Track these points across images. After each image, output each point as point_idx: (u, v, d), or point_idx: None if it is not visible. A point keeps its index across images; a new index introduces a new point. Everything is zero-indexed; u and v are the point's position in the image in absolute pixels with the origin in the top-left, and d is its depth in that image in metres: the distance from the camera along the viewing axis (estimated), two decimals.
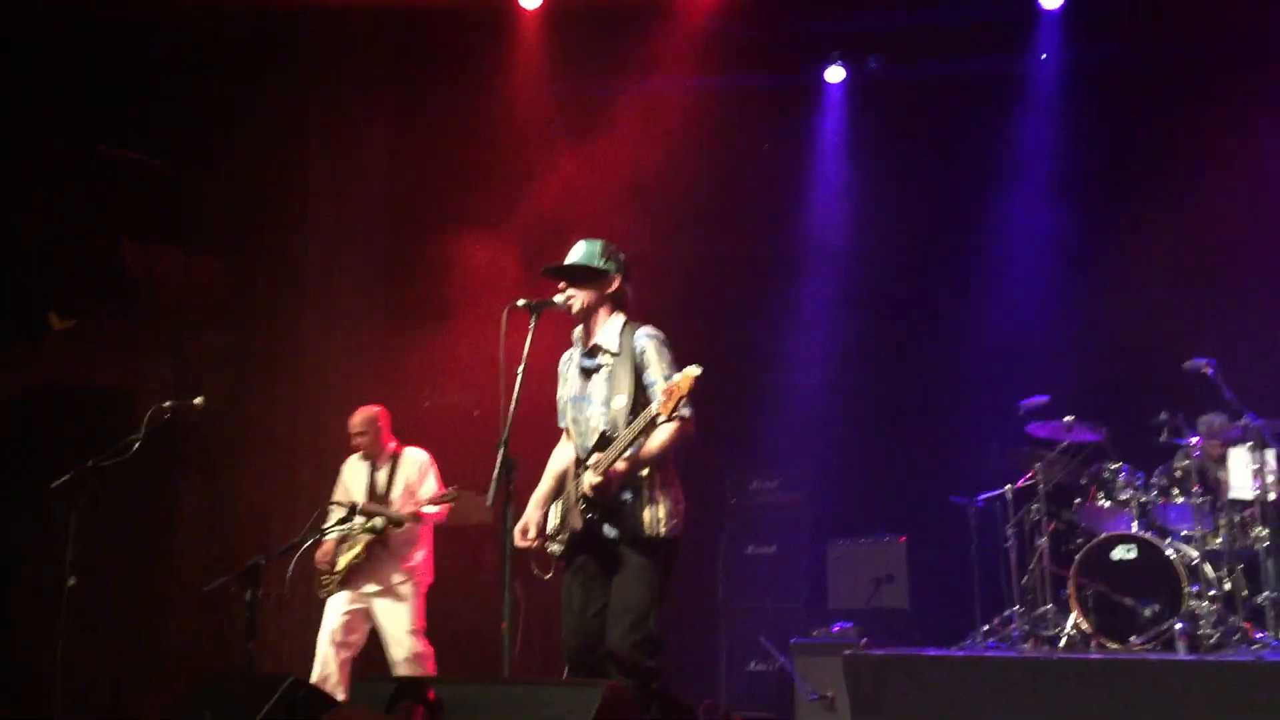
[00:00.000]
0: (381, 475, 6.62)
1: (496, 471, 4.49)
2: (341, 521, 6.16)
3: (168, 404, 6.03)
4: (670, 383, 4.36)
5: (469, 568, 8.32)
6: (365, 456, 6.69)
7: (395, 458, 6.67)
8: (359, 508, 6.21)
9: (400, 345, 8.45)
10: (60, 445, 6.55)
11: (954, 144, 8.44)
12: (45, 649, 5.60)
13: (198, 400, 6.17)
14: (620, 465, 4.53)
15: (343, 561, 6.42)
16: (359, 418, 6.69)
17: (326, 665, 6.36)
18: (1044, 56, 8.50)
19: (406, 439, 8.46)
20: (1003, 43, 8.46)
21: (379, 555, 6.45)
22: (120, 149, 8.04)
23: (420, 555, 6.62)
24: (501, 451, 4.50)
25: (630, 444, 4.52)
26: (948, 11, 8.21)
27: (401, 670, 6.34)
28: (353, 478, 6.72)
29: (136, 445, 5.78)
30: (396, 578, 6.48)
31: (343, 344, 8.47)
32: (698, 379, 4.31)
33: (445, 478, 8.56)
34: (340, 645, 6.37)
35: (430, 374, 8.47)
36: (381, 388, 8.53)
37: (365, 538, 6.35)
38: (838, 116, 9.12)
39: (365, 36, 8.55)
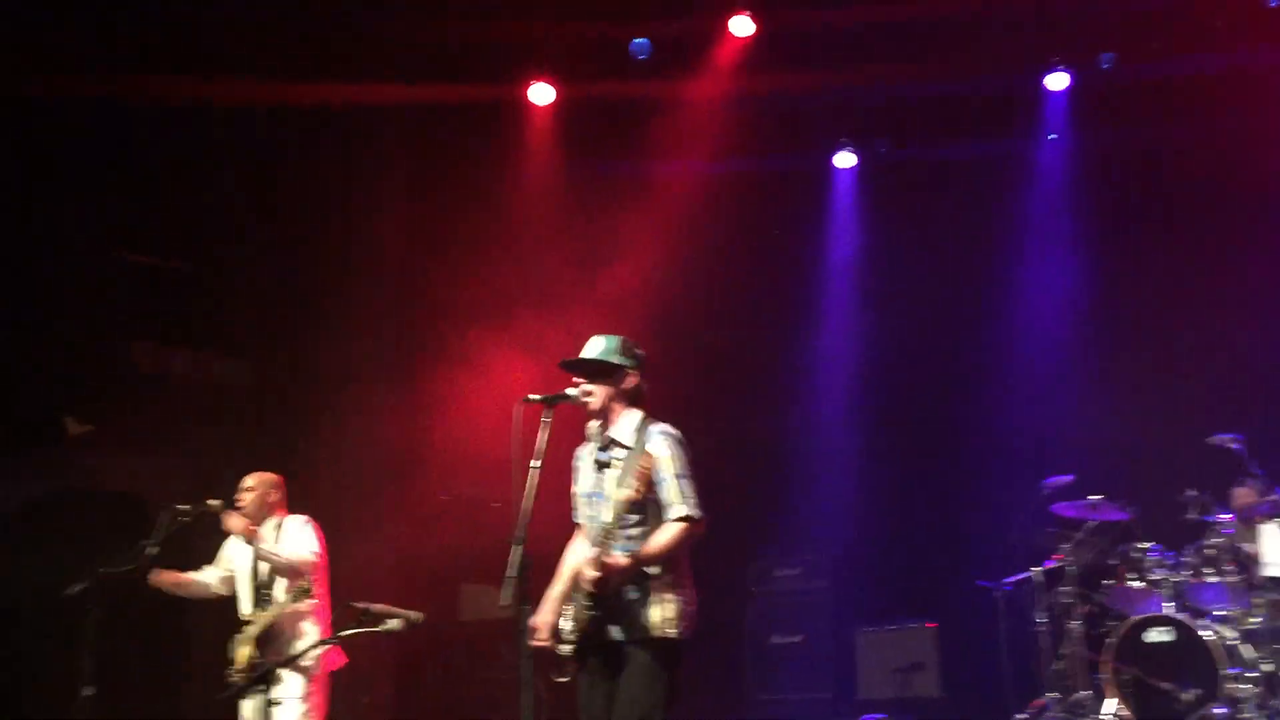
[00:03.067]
0: (266, 545, 6.06)
1: (513, 569, 4.41)
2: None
3: (184, 507, 5.99)
4: (638, 465, 4.40)
5: (488, 663, 8.20)
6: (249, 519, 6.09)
7: (279, 526, 6.18)
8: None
9: (418, 439, 8.41)
10: (76, 550, 6.50)
11: (970, 225, 8.45)
12: None
13: (214, 502, 6.13)
14: (622, 561, 4.46)
15: (243, 658, 5.92)
16: (252, 477, 6.20)
17: None
18: (1052, 137, 8.53)
19: (425, 532, 8.42)
20: (1010, 124, 8.51)
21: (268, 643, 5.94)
22: (133, 252, 8.11)
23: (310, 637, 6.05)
24: (517, 549, 4.42)
25: (615, 532, 4.46)
26: (955, 92, 8.26)
27: None
28: (237, 550, 6.25)
29: (151, 551, 5.74)
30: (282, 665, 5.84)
31: (359, 439, 8.44)
32: (691, 465, 4.39)
33: (468, 572, 8.47)
34: None
35: (449, 466, 8.41)
36: (399, 482, 8.51)
37: (254, 630, 5.89)
38: (849, 200, 9.16)
39: (377, 134, 8.66)
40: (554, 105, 8.64)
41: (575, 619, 4.62)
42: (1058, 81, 8.32)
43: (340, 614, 6.04)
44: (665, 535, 4.51)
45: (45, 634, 6.55)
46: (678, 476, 4.54)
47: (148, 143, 7.73)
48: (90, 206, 7.71)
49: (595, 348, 4.79)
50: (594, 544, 4.58)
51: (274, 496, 6.23)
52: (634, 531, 4.53)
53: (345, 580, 6.79)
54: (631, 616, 4.53)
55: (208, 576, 6.29)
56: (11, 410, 7.53)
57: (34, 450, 7.62)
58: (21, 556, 7.14)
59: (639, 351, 4.84)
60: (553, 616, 4.72)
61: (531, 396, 4.66)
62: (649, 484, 4.53)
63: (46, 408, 7.68)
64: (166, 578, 6.13)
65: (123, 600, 5.76)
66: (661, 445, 4.63)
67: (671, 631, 4.53)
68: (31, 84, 7.13)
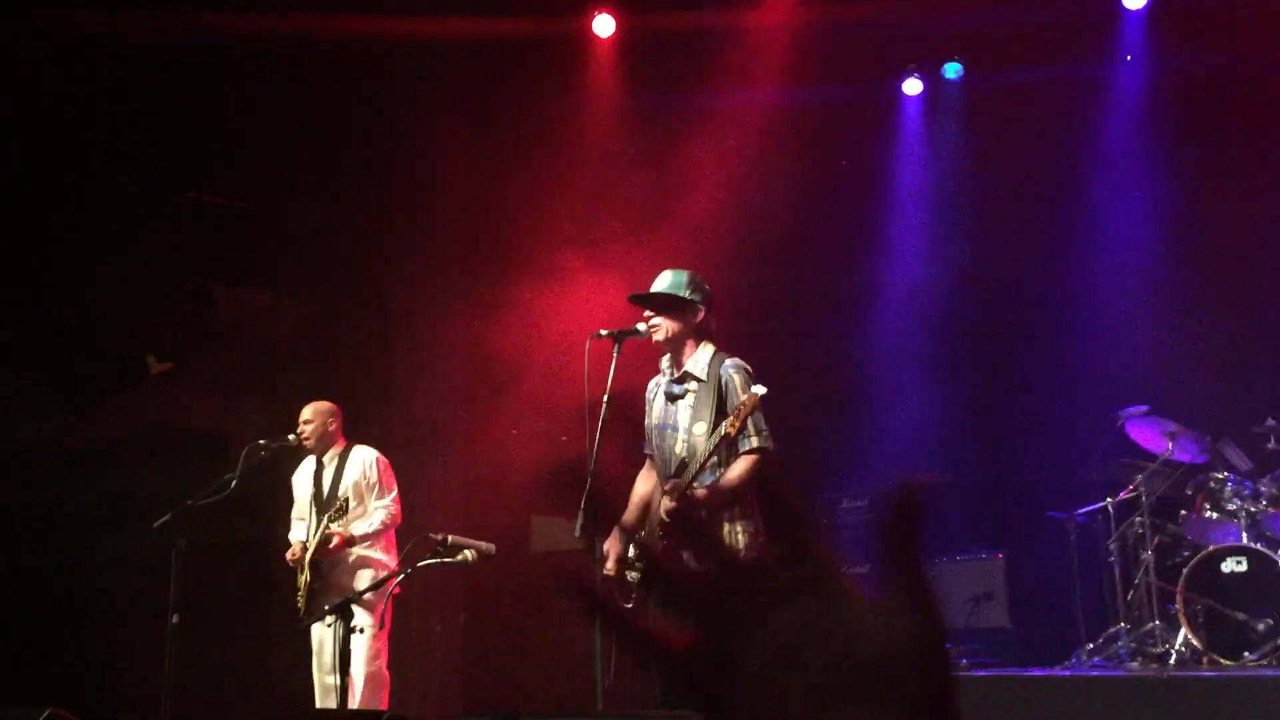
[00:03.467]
0: (327, 474, 6.29)
1: (584, 501, 4.48)
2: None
3: (263, 442, 6.16)
4: (738, 402, 4.39)
5: (558, 593, 8.32)
6: (312, 451, 6.34)
7: (343, 455, 6.34)
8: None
9: (487, 376, 8.50)
10: (162, 486, 6.70)
11: (1039, 152, 8.27)
12: (151, 687, 5.72)
13: (292, 437, 6.29)
14: (699, 492, 4.51)
15: (300, 584, 6.11)
16: (309, 409, 6.34)
17: (328, 695, 6.06)
18: (1129, 58, 8.30)
19: (494, 465, 8.55)
20: (1085, 46, 8.28)
21: (331, 574, 6.09)
22: (205, 193, 8.22)
23: (377, 565, 6.21)
24: (589, 481, 4.49)
25: (704, 465, 4.51)
26: (1027, 13, 8.05)
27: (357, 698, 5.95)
28: (299, 479, 6.43)
29: (234, 484, 5.91)
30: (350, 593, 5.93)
31: (429, 378, 8.56)
32: (763, 398, 4.38)
33: (535, 505, 8.58)
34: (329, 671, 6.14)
35: (516, 404, 8.50)
36: (469, 420, 8.63)
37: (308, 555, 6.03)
38: (917, 128, 9.02)
39: (440, 69, 8.65)
40: (615, 36, 8.58)
41: (645, 541, 4.70)
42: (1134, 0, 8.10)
43: (415, 543, 6.20)
44: (739, 468, 4.56)
45: (134, 565, 6.76)
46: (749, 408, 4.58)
47: (212, 82, 7.79)
48: (158, 148, 7.82)
49: (663, 282, 4.83)
50: (671, 475, 4.64)
51: (332, 425, 6.37)
52: (711, 462, 4.59)
53: (418, 510, 6.95)
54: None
55: (296, 535, 6.42)
56: (95, 350, 7.73)
57: (118, 389, 7.83)
58: (108, 491, 7.36)
59: (707, 287, 4.86)
60: (621, 545, 4.79)
61: (601, 332, 4.71)
62: (743, 423, 4.56)
63: (129, 348, 7.87)
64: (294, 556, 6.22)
65: (207, 531, 5.95)
66: (738, 379, 4.67)
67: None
68: (93, 22, 7.19)
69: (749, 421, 4.59)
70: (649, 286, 4.86)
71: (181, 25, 7.30)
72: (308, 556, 6.11)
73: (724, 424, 4.46)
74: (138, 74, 7.44)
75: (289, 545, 6.45)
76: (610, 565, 4.77)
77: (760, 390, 4.44)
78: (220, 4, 7.41)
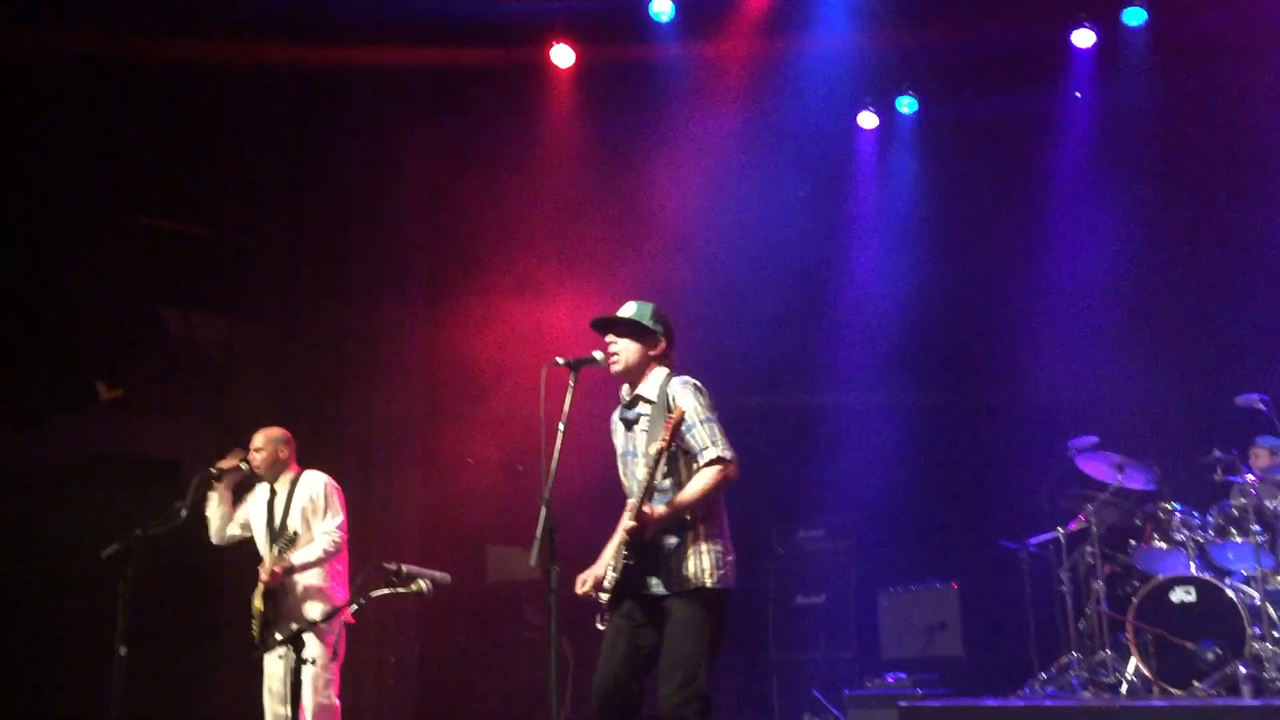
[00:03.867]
0: (279, 502, 6.18)
1: (540, 530, 4.46)
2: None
3: (214, 469, 6.07)
4: (668, 415, 4.39)
5: (513, 624, 8.29)
6: (264, 478, 6.21)
7: (294, 481, 6.21)
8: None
9: (443, 403, 8.47)
10: (109, 514, 6.60)
11: (990, 185, 8.42)
12: (97, 717, 5.62)
13: (242, 464, 6.21)
14: (659, 509, 4.49)
15: (255, 613, 6.00)
16: (259, 435, 6.22)
17: None
18: (1078, 95, 8.46)
19: (450, 497, 8.48)
20: (1036, 81, 8.42)
21: (283, 604, 6.00)
22: (159, 218, 8.15)
23: (326, 594, 6.13)
24: (544, 511, 4.47)
25: (653, 486, 4.49)
26: (981, 48, 8.18)
27: None
28: (254, 509, 6.30)
29: (184, 513, 5.82)
30: (299, 623, 5.89)
31: (385, 403, 8.49)
32: (720, 414, 4.35)
33: (494, 533, 8.52)
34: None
35: (473, 432, 8.47)
36: (425, 447, 8.58)
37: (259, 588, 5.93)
38: (872, 159, 9.12)
39: (400, 96, 8.66)
40: (575, 67, 8.63)
41: (615, 570, 4.67)
42: (1084, 39, 8.27)
43: (368, 572, 6.12)
44: (701, 480, 4.54)
45: (80, 595, 6.65)
46: (704, 421, 4.58)
47: (169, 107, 7.75)
48: (113, 172, 7.75)
49: (629, 310, 4.84)
50: (632, 498, 4.63)
51: (284, 453, 6.27)
52: (666, 484, 4.58)
53: (373, 537, 6.88)
54: (670, 567, 4.57)
55: (237, 517, 6.34)
56: (43, 376, 7.62)
57: (66, 415, 7.71)
58: (55, 518, 7.24)
59: (669, 320, 4.89)
60: (601, 570, 4.76)
61: (558, 360, 4.70)
62: (676, 435, 4.55)
63: (78, 373, 7.76)
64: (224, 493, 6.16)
65: (155, 561, 5.86)
66: (684, 394, 4.67)
67: (709, 580, 4.57)
68: (50, 44, 7.13)
69: (702, 432, 4.60)
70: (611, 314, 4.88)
71: (141, 50, 7.25)
72: (259, 588, 6.03)
73: (656, 440, 4.44)
74: (94, 96, 7.38)
75: (240, 574, 6.35)
76: (583, 589, 4.74)
77: (685, 402, 4.48)
78: (182, 31, 7.37)
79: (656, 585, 4.58)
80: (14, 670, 7.09)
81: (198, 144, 7.90)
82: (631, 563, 4.55)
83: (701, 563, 4.58)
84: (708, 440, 4.59)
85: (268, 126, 8.19)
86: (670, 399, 4.66)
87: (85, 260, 7.80)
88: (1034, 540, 7.35)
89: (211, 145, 7.94)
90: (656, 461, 4.47)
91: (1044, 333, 8.18)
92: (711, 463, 4.51)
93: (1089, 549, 7.01)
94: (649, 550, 4.56)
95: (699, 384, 4.74)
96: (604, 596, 4.70)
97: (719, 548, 4.64)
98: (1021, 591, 7.36)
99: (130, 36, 7.21)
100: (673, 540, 4.58)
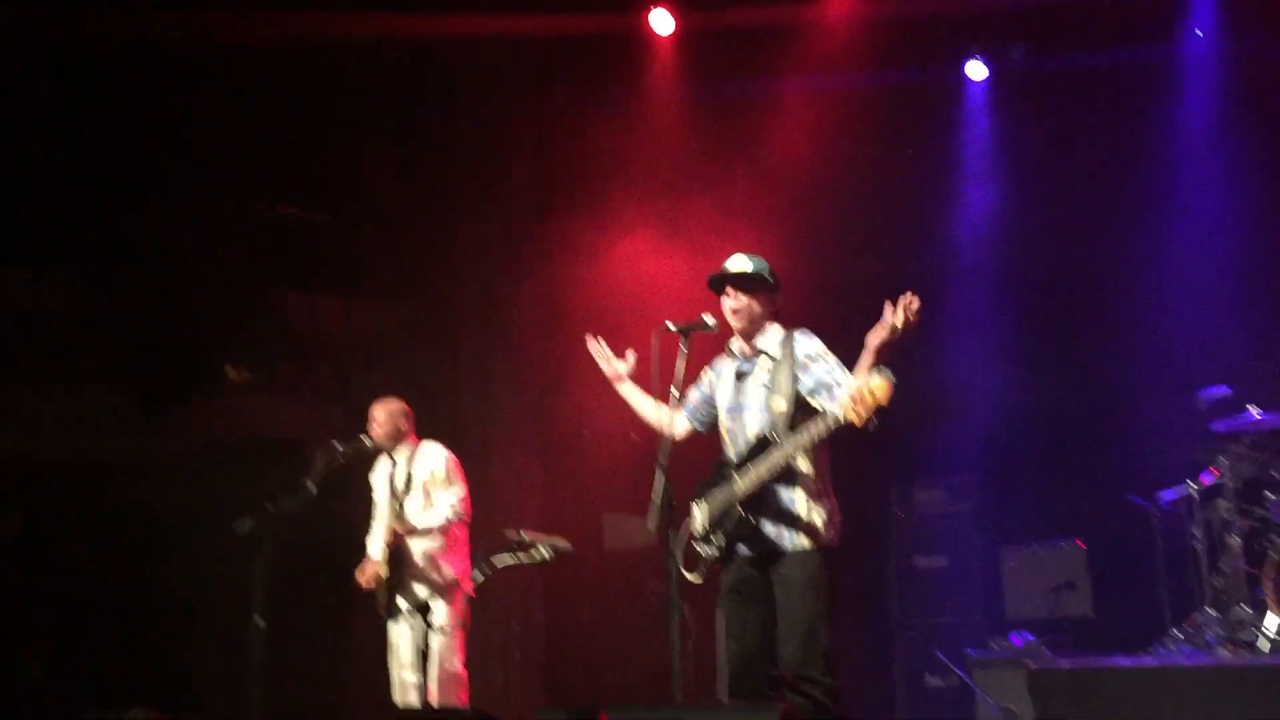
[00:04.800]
0: (399, 471, 6.35)
1: (658, 496, 4.48)
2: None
3: (337, 443, 6.24)
4: (862, 386, 4.17)
5: (632, 591, 8.35)
6: (385, 449, 6.39)
7: (414, 452, 6.38)
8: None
9: (559, 374, 8.54)
10: (243, 494, 6.83)
11: (1110, 132, 8.11)
12: (237, 689, 5.83)
13: (364, 437, 6.36)
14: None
15: (381, 581, 6.19)
16: (378, 407, 6.39)
17: (408, 692, 6.15)
18: (1199, 34, 8.11)
19: (567, 469, 8.56)
20: (1154, 25, 8.11)
21: (407, 571, 6.15)
22: (278, 204, 8.37)
23: (448, 562, 6.26)
24: (660, 476, 4.49)
25: (799, 450, 4.47)
26: None
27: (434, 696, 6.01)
28: (377, 478, 6.50)
29: (313, 487, 6.00)
30: (424, 590, 6.16)
31: (501, 379, 8.61)
32: (895, 388, 4.12)
33: (610, 503, 8.59)
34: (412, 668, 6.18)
35: (591, 396, 8.53)
36: (542, 420, 8.68)
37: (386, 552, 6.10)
38: (983, 113, 8.89)
39: (502, 71, 8.71)
40: (675, 33, 8.59)
41: (716, 520, 4.66)
42: None
43: (489, 540, 6.24)
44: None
45: (217, 574, 6.90)
46: (839, 365, 4.58)
47: (283, 93, 7.92)
48: (232, 161, 7.97)
49: (745, 263, 4.82)
50: (747, 455, 4.60)
51: (404, 425, 6.42)
52: (798, 441, 4.54)
53: (492, 510, 7.00)
54: (790, 522, 4.55)
55: (375, 538, 6.48)
56: (175, 360, 7.90)
57: (197, 399, 7.98)
58: (190, 502, 7.51)
59: (778, 276, 4.88)
60: (699, 527, 4.75)
61: (669, 325, 4.70)
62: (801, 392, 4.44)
63: (206, 358, 8.02)
64: (368, 580, 6.27)
65: (288, 535, 6.05)
66: (808, 343, 4.64)
67: (829, 537, 4.56)
68: (164, 28, 7.31)
69: (836, 369, 4.55)
70: (720, 268, 4.86)
71: (255, 36, 7.41)
72: (384, 553, 6.18)
73: (835, 407, 4.25)
74: (210, 86, 7.58)
75: (365, 548, 6.52)
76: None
77: (891, 379, 4.16)
78: (290, 10, 7.48)
79: (772, 536, 4.57)
80: (158, 650, 7.40)
81: (312, 128, 8.07)
82: (751, 524, 4.54)
83: (815, 521, 4.56)
84: (843, 373, 4.51)
85: (376, 108, 8.33)
86: (800, 356, 4.62)
87: (209, 248, 8.05)
88: (1165, 495, 7.14)
89: (325, 129, 8.10)
90: (818, 432, 4.36)
91: (1170, 282, 7.90)
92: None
93: (1223, 503, 6.77)
94: (764, 501, 4.55)
95: (816, 336, 4.72)
96: (711, 552, 4.68)
97: (829, 505, 4.62)
98: (1152, 549, 7.15)
99: (244, 23, 7.34)
100: (788, 496, 4.56)
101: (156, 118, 7.60)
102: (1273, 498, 6.64)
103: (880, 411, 4.20)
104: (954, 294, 8.52)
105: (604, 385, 8.30)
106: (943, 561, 8.16)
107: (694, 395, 5.00)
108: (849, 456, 4.75)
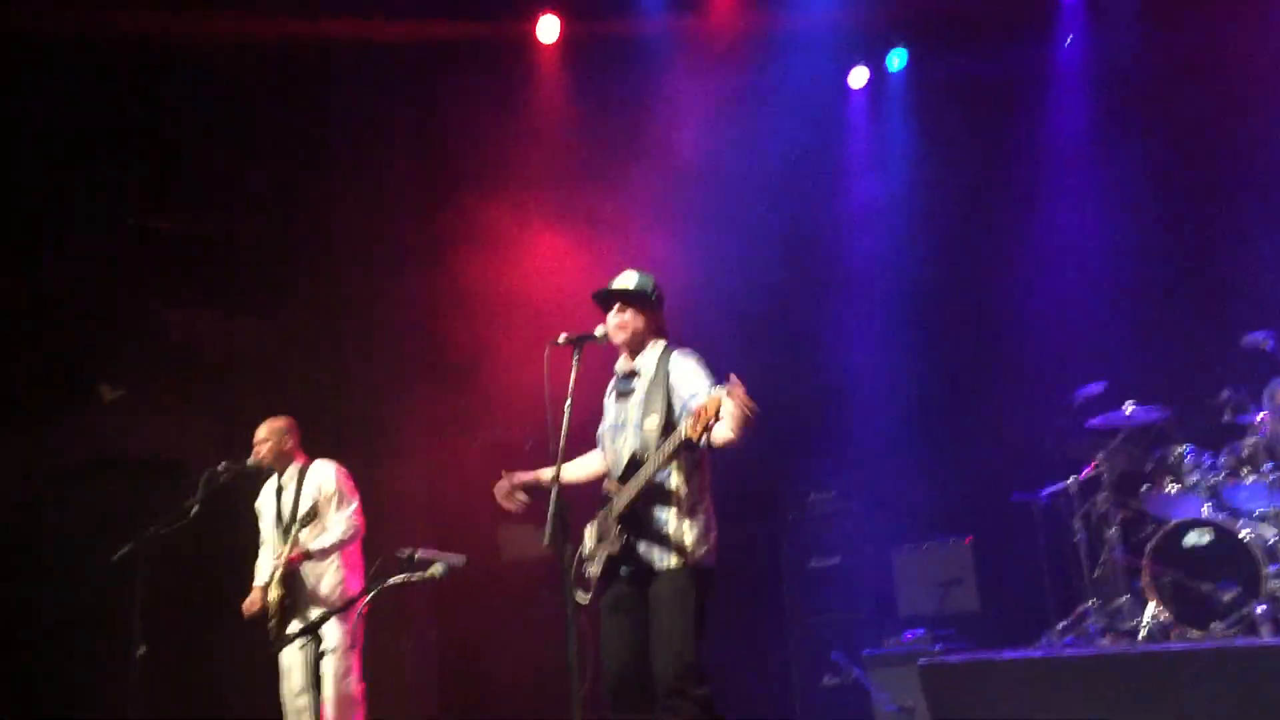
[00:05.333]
0: (288, 492, 6.18)
1: (552, 510, 4.45)
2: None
3: (221, 466, 6.04)
4: (698, 403, 4.24)
5: (526, 602, 8.29)
6: (272, 470, 6.23)
7: (302, 471, 6.21)
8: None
9: (443, 387, 8.43)
10: (114, 513, 6.59)
11: (987, 134, 8.32)
12: (118, 715, 5.62)
13: (250, 460, 6.19)
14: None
15: (272, 603, 6.02)
16: (263, 427, 6.22)
17: (300, 716, 5.98)
18: (1069, 40, 8.37)
19: (456, 477, 8.46)
20: (1026, 30, 8.34)
21: (300, 593, 6.01)
22: (154, 218, 8.11)
23: (342, 582, 6.15)
24: (554, 490, 4.46)
25: (660, 468, 4.48)
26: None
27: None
28: (264, 502, 6.32)
29: (194, 510, 5.81)
30: (317, 612, 5.96)
31: (387, 390, 8.48)
32: (723, 403, 4.12)
33: (504, 513, 8.51)
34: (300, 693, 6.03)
35: (474, 414, 8.44)
36: (427, 434, 8.55)
37: (279, 573, 5.93)
38: (863, 118, 9.05)
39: (386, 76, 8.57)
40: (560, 40, 8.57)
41: (598, 541, 4.67)
42: None
43: (382, 560, 6.10)
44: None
45: (92, 596, 6.64)
46: (706, 376, 4.60)
47: (155, 101, 7.68)
48: (106, 172, 7.70)
49: (630, 280, 4.82)
50: (622, 471, 4.61)
51: (289, 443, 6.26)
52: (657, 458, 4.54)
53: (383, 522, 6.87)
54: (656, 542, 4.57)
55: (263, 563, 6.30)
56: (46, 377, 7.59)
57: (69, 416, 7.69)
58: (63, 520, 7.23)
59: (663, 292, 4.89)
60: (587, 546, 4.75)
61: (560, 338, 4.67)
62: (704, 430, 4.33)
63: (80, 374, 7.73)
64: (254, 608, 6.07)
65: (166, 560, 5.84)
66: (680, 358, 4.67)
67: (698, 554, 4.58)
68: (37, 27, 7.03)
69: (703, 376, 4.58)
70: (606, 286, 4.85)
71: (132, 44, 7.15)
72: (277, 574, 6.02)
73: (682, 426, 4.29)
74: (88, 95, 7.30)
75: (251, 570, 6.35)
76: (508, 490, 4.83)
77: (722, 392, 4.14)
78: (165, 10, 7.24)
79: (644, 558, 4.59)
80: (30, 673, 7.10)
81: (186, 139, 7.84)
82: (627, 539, 4.56)
83: (691, 535, 4.58)
84: (705, 382, 4.55)
85: (253, 116, 8.11)
86: (670, 373, 4.63)
87: (83, 260, 7.77)
88: (1046, 491, 7.34)
89: (199, 140, 7.87)
90: (673, 453, 4.39)
91: (1046, 282, 8.12)
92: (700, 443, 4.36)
93: (1102, 496, 6.99)
94: (639, 521, 4.56)
95: (698, 356, 4.73)
96: (595, 570, 4.71)
97: (705, 522, 4.64)
98: (1035, 543, 7.35)
99: (122, 29, 7.09)
100: (662, 516, 4.58)
101: (33, 127, 7.30)
102: (1147, 490, 6.87)
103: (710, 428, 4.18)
104: (839, 294, 8.65)
105: (493, 393, 8.28)
106: (836, 560, 8.27)
107: (600, 432, 4.98)
108: (743, 458, 4.75)
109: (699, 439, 4.22)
